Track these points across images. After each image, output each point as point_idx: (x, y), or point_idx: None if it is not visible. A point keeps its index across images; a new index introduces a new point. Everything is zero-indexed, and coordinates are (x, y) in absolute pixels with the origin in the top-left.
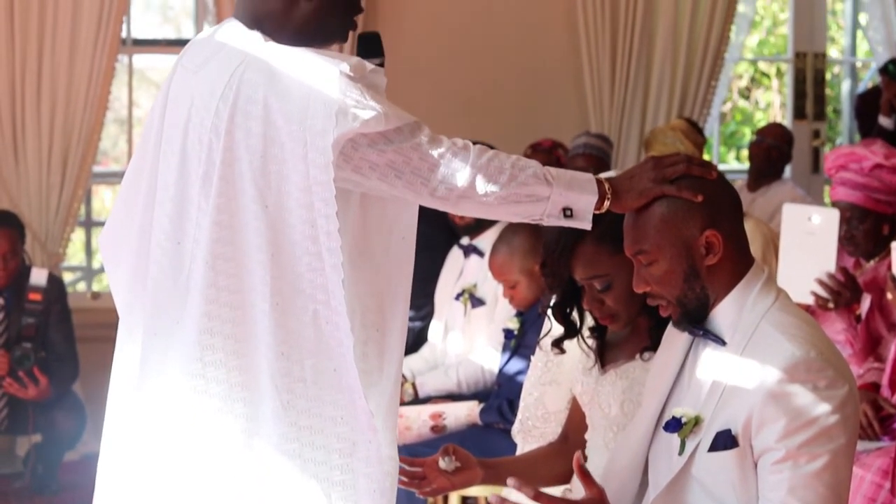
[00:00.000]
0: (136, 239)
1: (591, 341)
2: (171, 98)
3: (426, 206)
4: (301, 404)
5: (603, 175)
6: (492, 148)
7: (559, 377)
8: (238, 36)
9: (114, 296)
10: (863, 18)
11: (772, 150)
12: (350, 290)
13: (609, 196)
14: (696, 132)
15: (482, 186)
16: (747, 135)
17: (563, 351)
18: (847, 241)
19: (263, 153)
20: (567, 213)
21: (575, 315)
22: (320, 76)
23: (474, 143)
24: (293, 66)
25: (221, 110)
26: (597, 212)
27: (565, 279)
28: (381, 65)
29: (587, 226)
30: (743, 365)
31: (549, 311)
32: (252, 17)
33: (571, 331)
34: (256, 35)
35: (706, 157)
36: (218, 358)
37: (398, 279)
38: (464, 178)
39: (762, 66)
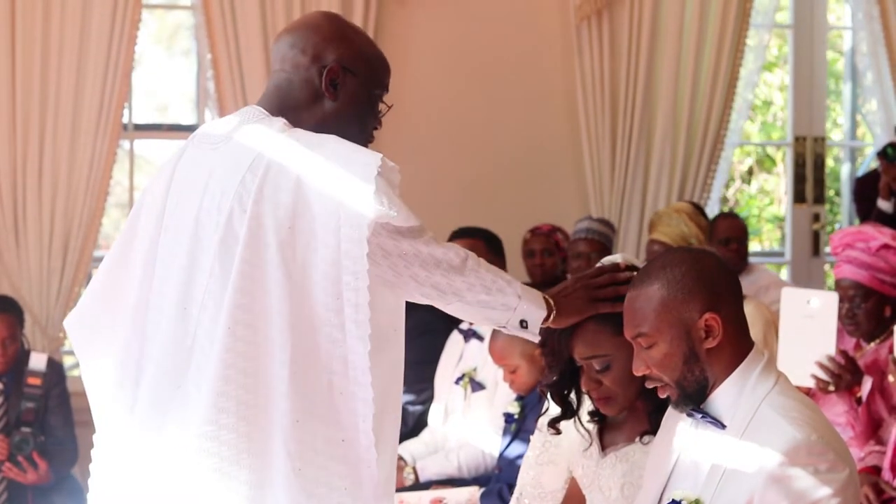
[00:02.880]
0: (131, 315)
1: (590, 425)
2: (180, 176)
3: (423, 298)
4: (311, 472)
5: (606, 259)
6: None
7: (557, 458)
8: (264, 118)
9: (88, 379)
10: (862, 102)
11: (741, 249)
12: None
13: (554, 313)
14: (700, 215)
15: (475, 289)
16: (749, 218)
17: (558, 431)
18: (848, 320)
19: (292, 225)
20: (523, 324)
21: (573, 396)
22: (352, 160)
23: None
24: (325, 147)
25: (249, 181)
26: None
27: (565, 358)
28: None
29: (536, 339)
30: (743, 448)
31: (546, 391)
32: (277, 105)
33: (568, 411)
34: (279, 120)
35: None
36: (231, 422)
37: (398, 367)
38: (462, 279)
39: (768, 149)
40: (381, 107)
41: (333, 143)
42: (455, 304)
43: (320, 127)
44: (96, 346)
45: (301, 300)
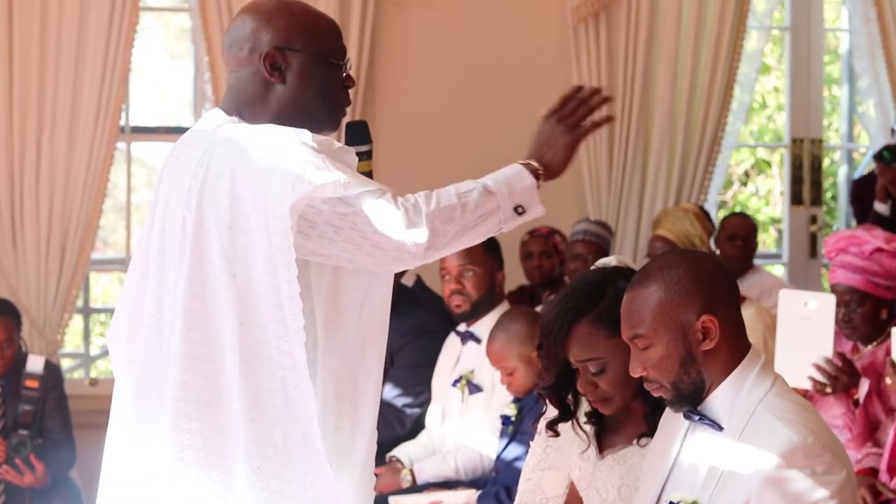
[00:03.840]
0: (127, 324)
1: (587, 427)
2: (161, 185)
3: (395, 263)
4: (272, 469)
5: (602, 261)
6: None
7: (558, 462)
8: (215, 120)
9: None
10: (859, 104)
11: (747, 246)
12: (323, 361)
13: (541, 171)
14: (706, 218)
15: (443, 229)
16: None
17: (556, 433)
18: (845, 325)
19: (231, 224)
20: (518, 210)
21: (570, 398)
22: (283, 147)
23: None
24: (260, 140)
25: (193, 186)
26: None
27: (561, 360)
28: (370, 152)
29: (540, 212)
30: (740, 450)
31: (544, 393)
32: (233, 104)
33: (566, 414)
34: (232, 118)
35: (711, 243)
36: (195, 426)
37: (371, 352)
38: (426, 229)
39: (762, 152)
40: (341, 66)
41: (268, 133)
42: (434, 254)
43: (282, 113)
44: (113, 352)
45: (247, 299)
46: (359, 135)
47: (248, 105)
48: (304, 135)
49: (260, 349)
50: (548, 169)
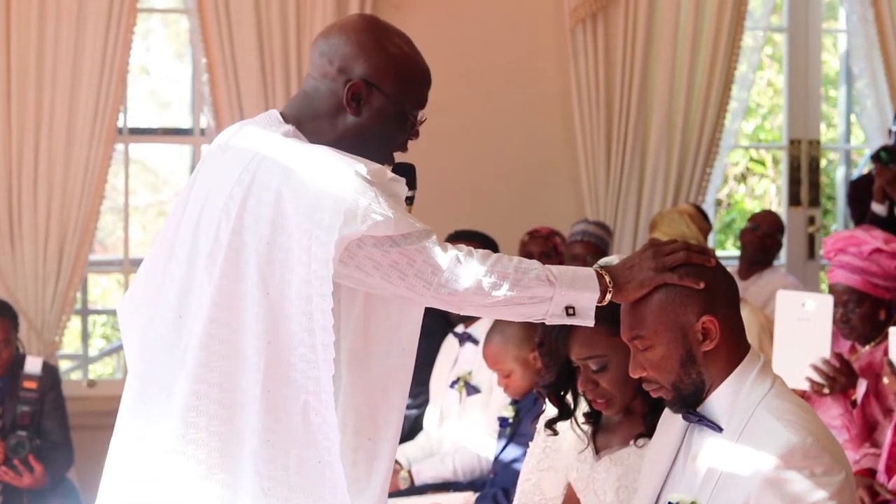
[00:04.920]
0: (149, 309)
1: (585, 427)
2: (199, 183)
3: (428, 306)
4: (281, 493)
5: (603, 261)
6: (496, 251)
7: (556, 463)
8: (267, 125)
9: (128, 364)
10: (857, 105)
11: (766, 239)
12: (345, 395)
13: (610, 289)
14: (702, 218)
15: (485, 291)
16: (742, 221)
17: (555, 432)
18: (843, 325)
19: (270, 240)
20: (569, 311)
21: (569, 398)
22: (336, 174)
23: (477, 248)
24: (311, 161)
25: (235, 193)
26: (598, 305)
27: (562, 358)
28: (412, 198)
29: (590, 323)
30: (739, 451)
31: (543, 392)
32: (297, 111)
33: (565, 412)
34: (287, 128)
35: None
36: (200, 437)
37: (395, 389)
38: (466, 282)
39: (756, 153)
40: (413, 120)
41: (322, 156)
42: (469, 308)
43: (339, 140)
44: (131, 331)
45: (277, 318)
46: (405, 177)
47: (312, 118)
48: (359, 165)
49: (285, 371)
50: (617, 290)
